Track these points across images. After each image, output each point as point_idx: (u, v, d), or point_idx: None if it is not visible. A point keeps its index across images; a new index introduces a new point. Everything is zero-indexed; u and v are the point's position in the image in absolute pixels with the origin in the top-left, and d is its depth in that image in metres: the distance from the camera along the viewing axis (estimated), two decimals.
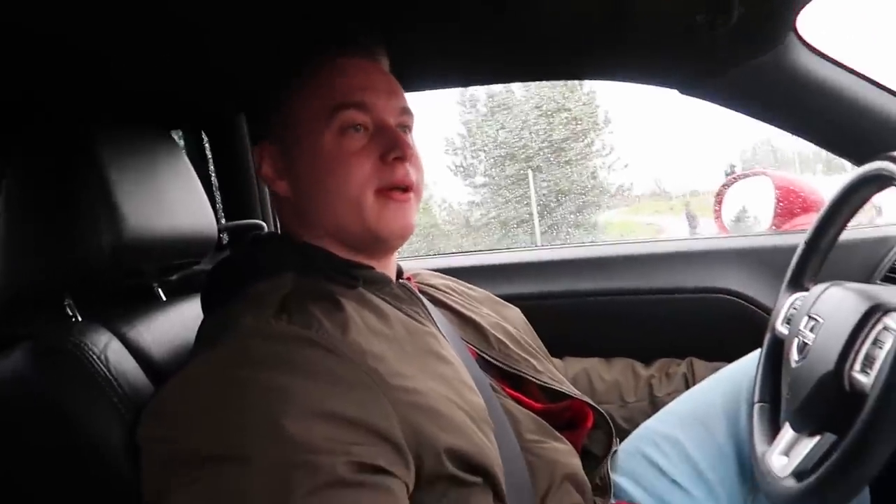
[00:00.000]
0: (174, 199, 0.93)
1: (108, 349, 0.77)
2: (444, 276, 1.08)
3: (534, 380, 0.94)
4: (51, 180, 0.81)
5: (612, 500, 0.90)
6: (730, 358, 1.06)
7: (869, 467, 0.61)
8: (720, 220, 1.60)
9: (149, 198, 0.87)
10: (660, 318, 1.32)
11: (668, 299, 1.33)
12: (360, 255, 0.83)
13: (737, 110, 1.17)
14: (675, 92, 1.19)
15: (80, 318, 0.86)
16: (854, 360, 0.67)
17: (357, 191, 0.78)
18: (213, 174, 1.48)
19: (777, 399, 0.86)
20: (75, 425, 0.72)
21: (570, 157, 3.11)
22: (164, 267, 1.02)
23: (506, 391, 0.89)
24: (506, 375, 0.93)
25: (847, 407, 0.65)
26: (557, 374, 1.01)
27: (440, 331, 0.83)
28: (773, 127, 1.18)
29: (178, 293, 1.06)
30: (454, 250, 3.15)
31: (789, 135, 1.19)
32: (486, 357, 0.93)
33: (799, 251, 0.93)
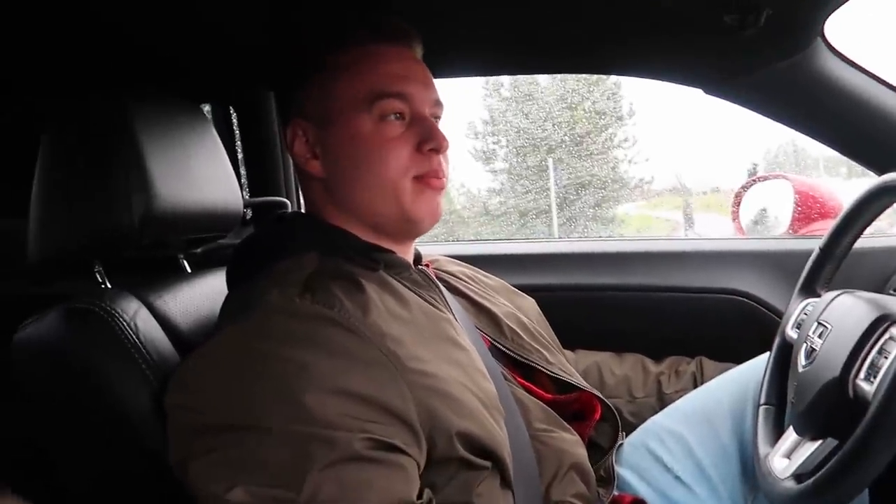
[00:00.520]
0: (202, 173, 0.94)
1: (138, 316, 0.80)
2: (461, 263, 1.10)
3: (545, 370, 0.95)
4: (84, 149, 0.83)
5: (616, 492, 0.91)
6: (739, 359, 1.07)
7: (866, 473, 0.63)
8: (737, 220, 1.60)
9: (178, 170, 0.89)
10: (672, 316, 1.33)
11: (681, 297, 1.33)
12: (383, 239, 0.84)
13: (760, 112, 1.17)
14: (699, 91, 1.19)
15: (108, 286, 0.89)
16: (859, 367, 0.68)
17: (396, 176, 0.80)
18: (239, 150, 1.50)
19: (783, 402, 0.87)
20: (105, 387, 0.74)
21: (592, 150, 3.10)
22: (189, 239, 1.04)
23: (517, 380, 0.90)
24: (517, 365, 0.95)
25: (850, 413, 0.66)
26: (568, 365, 1.03)
27: (455, 318, 0.85)
28: (795, 131, 1.18)
29: (202, 266, 1.08)
30: (473, 238, 3.16)
31: None
32: (499, 346, 0.94)
33: (813, 257, 0.94)
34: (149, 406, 0.74)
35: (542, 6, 0.94)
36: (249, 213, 1.45)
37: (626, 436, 1.04)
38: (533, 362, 0.95)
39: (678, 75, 1.19)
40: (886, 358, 0.65)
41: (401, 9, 0.88)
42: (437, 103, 0.86)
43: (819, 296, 0.90)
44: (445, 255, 1.12)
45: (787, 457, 0.77)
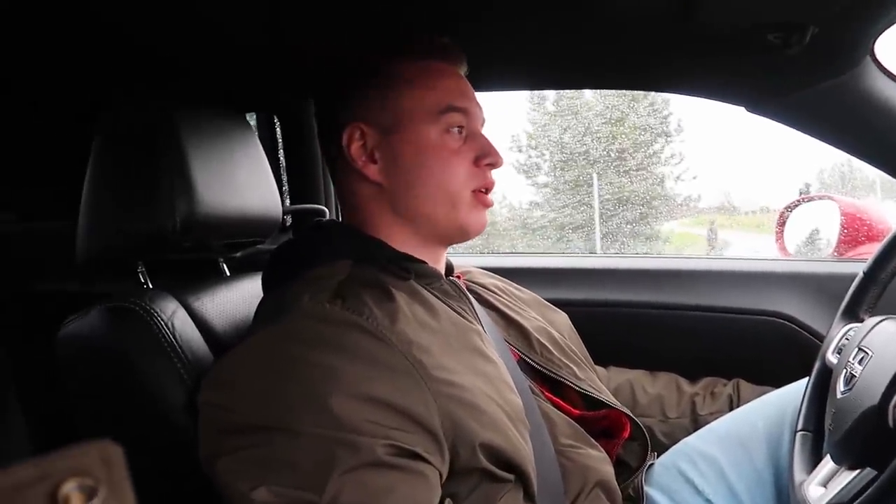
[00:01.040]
0: (244, 180, 0.97)
1: (175, 317, 0.82)
2: (493, 275, 1.10)
3: (573, 386, 0.95)
4: (133, 155, 0.87)
5: None
6: (777, 382, 1.04)
7: None
8: (781, 241, 1.56)
9: (221, 177, 0.92)
10: (709, 336, 1.31)
11: (719, 318, 1.31)
12: (421, 248, 0.86)
13: (805, 132, 1.14)
14: (742, 109, 1.17)
15: (150, 286, 0.92)
16: None
17: (458, 187, 0.84)
18: (281, 158, 1.54)
19: (821, 429, 0.85)
20: (141, 382, 0.77)
21: (633, 166, 3.06)
22: (229, 244, 1.07)
23: (545, 394, 0.90)
24: (546, 379, 0.94)
25: (889, 443, 0.65)
26: (598, 382, 1.02)
27: (485, 329, 0.85)
28: (841, 151, 1.15)
29: (240, 270, 1.11)
30: (509, 250, 3.15)
31: None
32: (528, 360, 0.94)
33: (857, 281, 0.91)
34: (182, 402, 0.77)
35: (587, 25, 0.94)
36: (289, 219, 1.48)
37: (658, 456, 1.02)
38: (561, 377, 0.95)
39: (720, 93, 1.18)
40: None
41: (451, 23, 0.90)
42: (484, 122, 0.90)
43: (861, 321, 0.88)
44: (479, 267, 1.12)
45: (823, 485, 0.75)
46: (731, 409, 1.08)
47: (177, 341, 0.80)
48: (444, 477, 0.67)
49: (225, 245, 1.09)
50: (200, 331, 0.86)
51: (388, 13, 0.90)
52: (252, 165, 1.01)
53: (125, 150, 0.87)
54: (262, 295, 0.88)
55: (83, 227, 0.88)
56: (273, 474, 0.60)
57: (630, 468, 0.95)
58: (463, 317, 0.82)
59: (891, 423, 0.66)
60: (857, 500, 0.65)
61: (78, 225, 0.88)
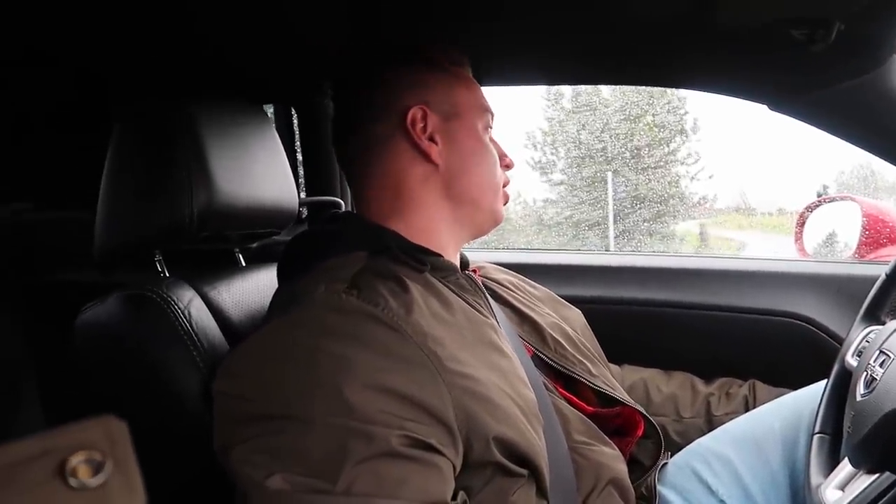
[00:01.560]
0: (261, 171, 0.97)
1: (192, 305, 0.83)
2: (508, 271, 1.10)
3: (587, 382, 0.94)
4: (152, 146, 0.87)
5: None
6: (794, 384, 1.03)
7: None
8: (800, 242, 1.54)
9: (238, 168, 0.92)
10: (726, 336, 1.29)
11: (736, 318, 1.30)
12: (448, 236, 0.89)
13: (829, 131, 1.12)
14: (763, 107, 1.15)
15: (167, 275, 0.92)
16: None
17: (498, 178, 0.92)
18: (298, 150, 1.54)
19: (839, 432, 0.84)
20: (157, 370, 0.78)
21: (650, 164, 3.04)
22: (246, 234, 1.08)
23: (558, 390, 0.90)
24: (560, 375, 0.94)
25: None
26: (612, 379, 1.01)
27: (499, 324, 0.85)
28: (864, 151, 1.13)
29: (256, 261, 1.12)
30: (524, 246, 3.14)
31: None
32: (542, 356, 0.94)
33: (879, 283, 0.90)
34: (197, 390, 0.77)
35: (605, 18, 0.93)
36: (305, 211, 1.49)
37: (671, 455, 1.01)
38: (575, 373, 0.94)
39: (742, 90, 1.16)
40: None
41: (466, 14, 0.89)
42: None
43: (883, 323, 0.87)
44: (494, 263, 1.12)
45: (840, 489, 0.74)
46: (746, 410, 1.07)
47: (193, 329, 0.80)
48: (458, 469, 0.67)
49: (241, 236, 1.09)
50: (216, 320, 0.86)
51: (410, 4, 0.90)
52: (269, 157, 1.01)
53: (143, 141, 0.88)
54: (277, 285, 0.88)
55: (101, 217, 0.89)
56: (287, 463, 0.60)
57: (643, 467, 0.95)
58: (478, 311, 0.82)
59: None
60: None
61: (96, 215, 0.89)
